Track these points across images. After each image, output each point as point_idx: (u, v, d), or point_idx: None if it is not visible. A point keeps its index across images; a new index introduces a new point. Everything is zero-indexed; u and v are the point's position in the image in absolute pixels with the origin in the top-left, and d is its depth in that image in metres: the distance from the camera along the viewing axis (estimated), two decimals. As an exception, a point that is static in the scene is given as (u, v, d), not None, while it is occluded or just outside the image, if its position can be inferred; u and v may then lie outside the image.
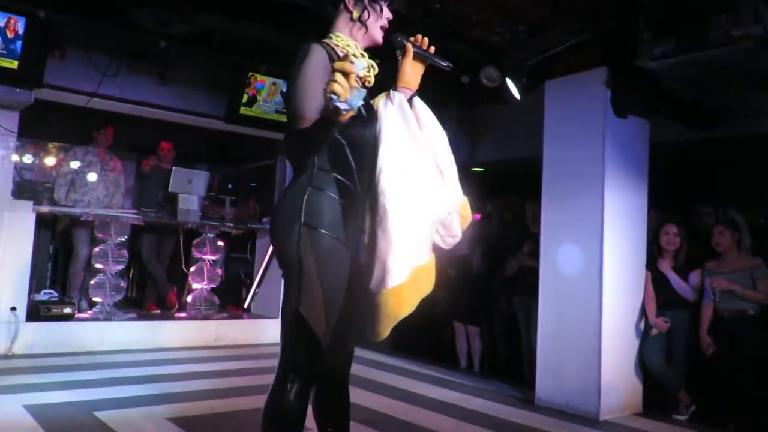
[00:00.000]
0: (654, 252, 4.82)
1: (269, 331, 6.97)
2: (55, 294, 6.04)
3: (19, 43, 5.03)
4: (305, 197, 2.01)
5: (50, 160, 7.41)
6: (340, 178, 2.05)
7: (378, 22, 2.19)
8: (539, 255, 4.90)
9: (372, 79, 2.20)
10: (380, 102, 2.17)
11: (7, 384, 4.38)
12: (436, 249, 2.24)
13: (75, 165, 6.41)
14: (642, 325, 4.74)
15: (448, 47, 5.09)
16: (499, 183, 7.80)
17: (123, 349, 5.78)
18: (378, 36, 2.20)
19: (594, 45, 4.55)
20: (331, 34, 2.17)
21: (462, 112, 7.31)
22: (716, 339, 4.48)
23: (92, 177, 6.42)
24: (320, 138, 1.93)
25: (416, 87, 2.21)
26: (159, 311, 6.90)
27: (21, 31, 5.02)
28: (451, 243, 2.26)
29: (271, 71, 6.13)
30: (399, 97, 2.14)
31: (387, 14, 2.21)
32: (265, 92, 6.24)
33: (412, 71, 2.19)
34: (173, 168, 6.65)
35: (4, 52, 5.00)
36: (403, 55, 2.19)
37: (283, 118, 6.39)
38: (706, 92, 4.95)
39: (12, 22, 5.00)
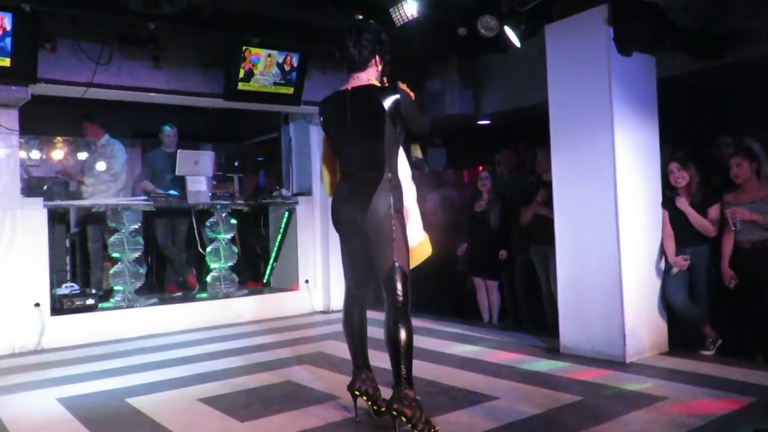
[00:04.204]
0: (669, 189, 4.74)
1: (290, 303, 7.03)
2: (77, 287, 6.10)
3: (8, 40, 4.96)
4: (391, 192, 3.07)
5: (55, 155, 7.42)
6: (401, 176, 3.16)
7: (385, 75, 3.23)
8: (553, 203, 4.84)
9: None
10: None
11: (40, 379, 4.46)
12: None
13: (93, 155, 6.47)
14: (662, 265, 4.69)
15: (442, -1, 4.98)
16: (506, 134, 7.70)
17: (148, 335, 5.86)
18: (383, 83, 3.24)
19: (592, -18, 4.41)
20: (372, 80, 3.17)
21: (462, 64, 7.18)
22: (738, 271, 4.43)
23: (100, 166, 6.45)
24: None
25: None
26: (180, 294, 6.97)
27: (9, 27, 4.94)
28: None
29: (265, 43, 6.02)
30: None
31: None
32: (261, 65, 6.14)
33: None
34: (178, 151, 6.62)
35: (-5, 50, 4.95)
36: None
37: (282, 90, 6.36)
38: (712, 19, 4.79)
39: (-1, 19, 4.93)
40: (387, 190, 3.06)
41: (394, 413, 2.92)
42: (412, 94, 3.14)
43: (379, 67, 3.18)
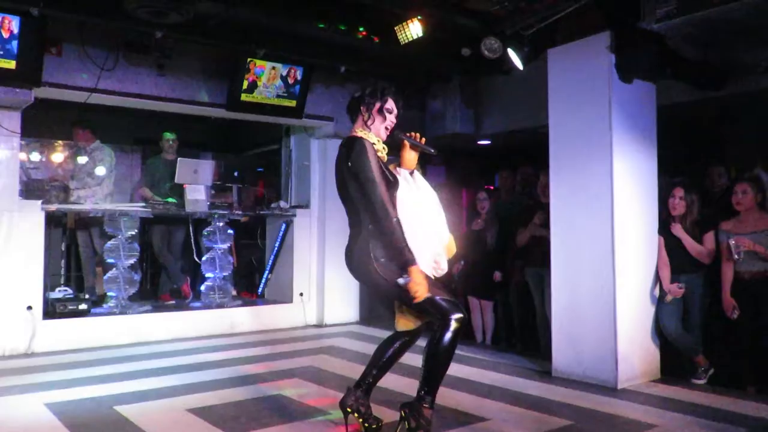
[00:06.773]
0: (665, 216, 4.75)
1: (284, 315, 7.01)
2: (70, 291, 6.07)
3: (15, 43, 5.00)
4: (369, 242, 3.02)
5: (55, 158, 7.43)
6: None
7: (383, 124, 3.19)
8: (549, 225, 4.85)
9: (385, 156, 3.19)
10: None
11: (28, 383, 4.43)
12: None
13: (82, 160, 6.45)
14: (657, 292, 4.70)
15: (448, 19, 5.03)
16: (506, 155, 7.73)
17: (140, 342, 5.83)
18: (383, 134, 3.20)
19: (595, 9, 4.46)
20: (359, 131, 3.16)
21: (465, 84, 7.23)
22: (737, 301, 4.40)
23: (86, 171, 6.45)
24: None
25: (413, 166, 3.25)
26: (174, 302, 6.95)
27: (16, 30, 4.98)
28: (440, 274, 3.16)
29: (270, 55, 6.06)
30: (404, 173, 3.21)
31: (391, 119, 3.20)
32: (265, 77, 6.18)
33: (409, 157, 3.23)
34: (178, 159, 6.63)
35: (1, 52, 4.97)
36: (402, 146, 3.22)
37: (285, 102, 6.39)
38: (713, 50, 4.84)
39: (6, 21, 4.95)
40: (365, 240, 3.03)
41: (402, 414, 3.03)
42: (406, 143, 3.17)
43: (365, 116, 3.17)
